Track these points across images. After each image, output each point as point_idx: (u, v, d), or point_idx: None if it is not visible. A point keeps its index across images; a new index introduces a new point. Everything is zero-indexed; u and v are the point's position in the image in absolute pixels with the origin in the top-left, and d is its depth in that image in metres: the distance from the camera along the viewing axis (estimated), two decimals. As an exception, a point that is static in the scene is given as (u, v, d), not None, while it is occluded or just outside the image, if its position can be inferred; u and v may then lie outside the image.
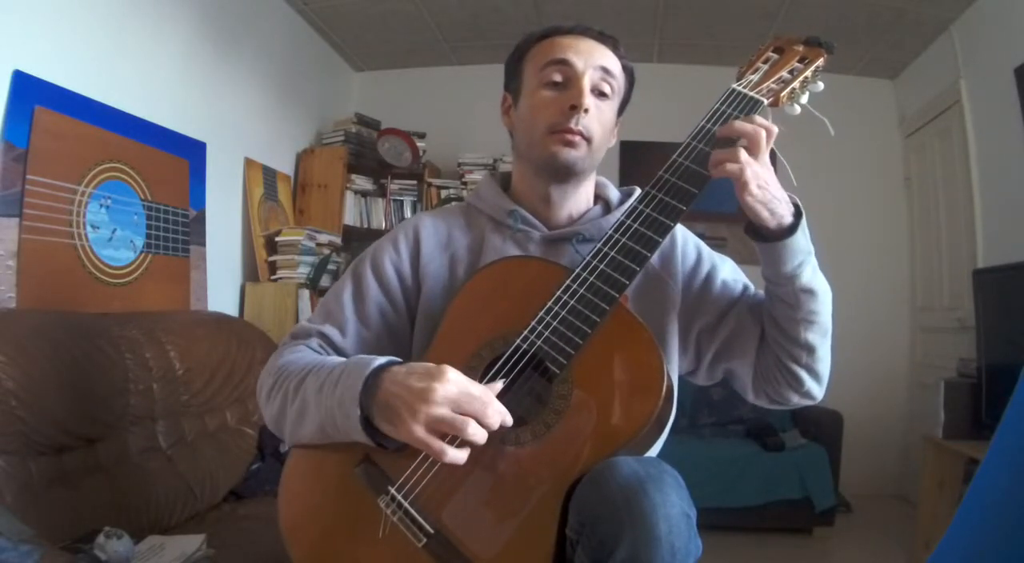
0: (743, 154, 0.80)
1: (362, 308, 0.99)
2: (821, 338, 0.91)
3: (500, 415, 0.77)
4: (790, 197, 0.87)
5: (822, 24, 3.08)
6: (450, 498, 0.80)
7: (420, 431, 0.75)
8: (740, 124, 0.82)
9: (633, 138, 3.32)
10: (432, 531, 0.78)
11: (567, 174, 0.98)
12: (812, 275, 0.88)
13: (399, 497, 0.80)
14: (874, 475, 3.39)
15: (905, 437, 3.40)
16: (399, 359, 0.86)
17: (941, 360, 3.02)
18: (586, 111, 0.94)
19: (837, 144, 3.50)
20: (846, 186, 3.58)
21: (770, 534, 2.83)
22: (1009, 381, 0.71)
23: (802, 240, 0.86)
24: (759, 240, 0.87)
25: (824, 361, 0.93)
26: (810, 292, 0.88)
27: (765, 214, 0.83)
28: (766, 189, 0.82)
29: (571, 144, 0.95)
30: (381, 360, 0.83)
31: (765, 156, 0.81)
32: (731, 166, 0.80)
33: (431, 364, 0.80)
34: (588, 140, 0.96)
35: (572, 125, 0.94)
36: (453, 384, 0.77)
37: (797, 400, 0.96)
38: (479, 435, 0.75)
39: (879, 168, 3.64)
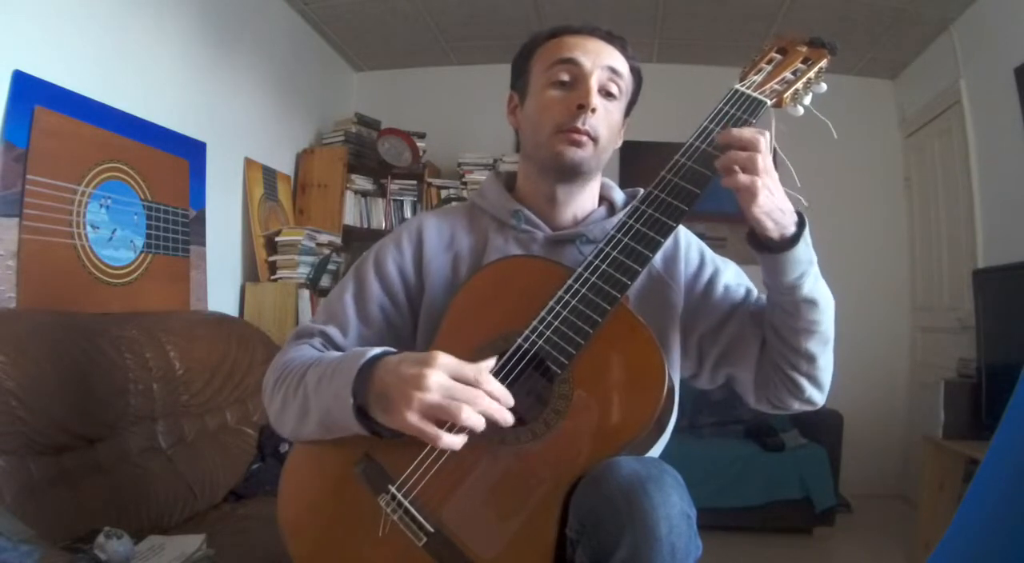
0: (760, 162, 0.77)
1: (364, 308, 0.99)
2: (822, 347, 0.90)
3: (498, 396, 0.76)
4: (793, 207, 0.85)
5: (822, 24, 3.08)
6: (450, 497, 0.80)
7: (413, 418, 0.75)
8: (738, 131, 0.81)
9: (633, 138, 3.31)
10: (432, 530, 0.78)
11: (573, 174, 0.98)
12: (814, 285, 0.87)
13: (399, 496, 0.80)
14: (874, 475, 3.39)
15: (905, 437, 3.39)
16: (394, 350, 0.86)
17: (941, 360, 3.02)
18: (593, 111, 0.93)
19: (837, 144, 3.47)
20: (846, 186, 3.58)
21: (770, 534, 2.83)
22: (1009, 381, 0.71)
23: (804, 250, 0.85)
24: (761, 250, 0.86)
25: (825, 370, 0.93)
26: (811, 302, 0.87)
27: (770, 224, 0.81)
28: (773, 198, 0.80)
29: (578, 144, 0.94)
30: (376, 350, 0.84)
31: (770, 162, 0.80)
32: (743, 178, 0.78)
33: (424, 352, 0.79)
34: (595, 140, 0.95)
35: (579, 125, 0.93)
36: (445, 369, 0.76)
37: (798, 406, 0.96)
38: (473, 420, 0.74)
39: (879, 168, 3.64)
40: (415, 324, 1.01)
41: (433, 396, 0.74)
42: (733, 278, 1.02)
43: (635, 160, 3.46)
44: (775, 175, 0.81)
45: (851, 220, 3.54)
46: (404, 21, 3.34)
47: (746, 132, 0.80)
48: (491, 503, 0.80)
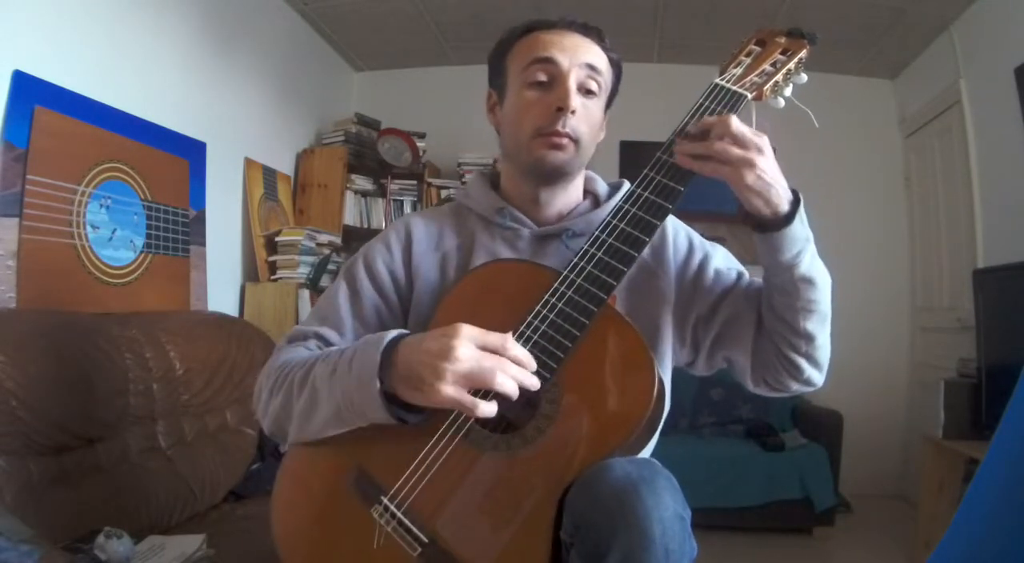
0: (732, 150, 0.78)
1: (359, 308, 0.99)
2: (820, 326, 0.89)
3: (523, 361, 0.76)
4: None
5: (822, 24, 3.08)
6: (444, 506, 0.79)
7: (449, 389, 0.74)
8: (701, 122, 0.81)
9: (633, 138, 3.33)
10: (427, 540, 0.78)
11: (555, 177, 0.97)
12: (811, 263, 0.86)
13: (392, 507, 0.80)
14: (874, 475, 3.39)
15: (905, 437, 3.39)
16: (408, 331, 0.85)
17: (941, 360, 3.02)
18: (573, 112, 0.92)
19: (837, 144, 3.50)
20: (846, 186, 3.58)
21: (770, 534, 2.83)
22: (1009, 381, 0.71)
23: (800, 228, 0.83)
24: (756, 230, 0.85)
25: (823, 349, 0.91)
26: (809, 281, 0.86)
27: (760, 204, 0.81)
28: (764, 178, 0.79)
29: (558, 147, 0.93)
30: (393, 333, 0.82)
31: (749, 135, 0.79)
32: (725, 169, 0.78)
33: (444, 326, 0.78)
34: (575, 141, 0.94)
35: (559, 128, 0.92)
36: (470, 339, 0.76)
37: (797, 387, 0.94)
38: (508, 385, 0.74)
39: (879, 168, 3.64)
40: (407, 324, 1.00)
41: (464, 365, 0.74)
42: (723, 262, 1.02)
43: (635, 160, 3.47)
44: (765, 148, 0.80)
45: (851, 220, 3.53)
46: (404, 21, 3.33)
47: (708, 119, 0.81)
48: (485, 510, 0.79)
